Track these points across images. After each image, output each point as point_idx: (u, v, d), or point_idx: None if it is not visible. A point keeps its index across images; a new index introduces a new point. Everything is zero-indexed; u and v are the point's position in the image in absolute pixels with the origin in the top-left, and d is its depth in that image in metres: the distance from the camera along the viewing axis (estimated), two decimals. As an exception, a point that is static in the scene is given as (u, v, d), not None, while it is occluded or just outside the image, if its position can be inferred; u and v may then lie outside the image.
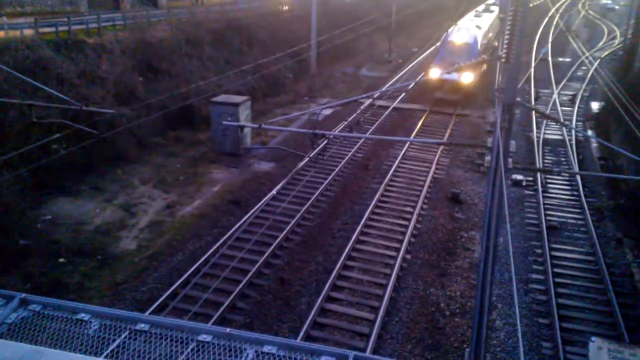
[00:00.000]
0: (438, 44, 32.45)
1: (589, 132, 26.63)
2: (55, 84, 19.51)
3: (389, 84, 34.20)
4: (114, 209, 17.74)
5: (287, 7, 43.92)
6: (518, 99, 7.82)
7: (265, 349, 3.70)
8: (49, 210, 17.15)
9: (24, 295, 4.14)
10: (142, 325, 3.94)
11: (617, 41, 50.22)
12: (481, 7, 42.54)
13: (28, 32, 24.02)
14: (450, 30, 30.95)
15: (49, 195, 17.86)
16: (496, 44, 38.71)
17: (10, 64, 18.21)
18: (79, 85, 21.06)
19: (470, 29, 30.91)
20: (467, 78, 28.74)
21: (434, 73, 27.96)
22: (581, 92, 34.18)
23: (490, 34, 37.07)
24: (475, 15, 37.52)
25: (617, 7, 76.60)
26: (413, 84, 27.79)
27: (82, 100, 16.59)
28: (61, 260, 14.67)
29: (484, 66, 34.01)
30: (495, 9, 41.98)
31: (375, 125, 26.68)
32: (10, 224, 14.87)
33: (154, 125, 22.55)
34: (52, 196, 17.88)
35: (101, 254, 15.17)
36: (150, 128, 22.46)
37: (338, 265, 14.52)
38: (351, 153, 22.67)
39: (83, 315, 4.02)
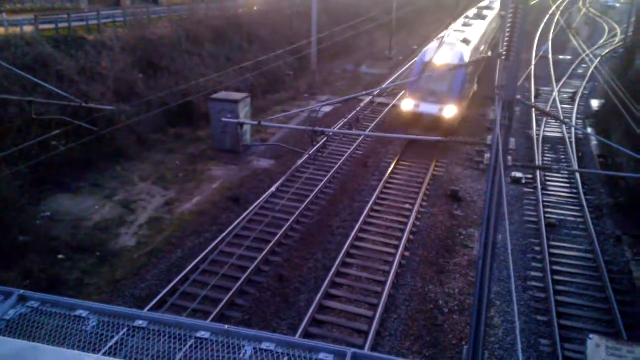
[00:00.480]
0: (416, 59, 25.49)
1: (589, 130, 26.62)
2: (55, 80, 19.49)
3: (389, 81, 34.17)
4: (113, 205, 17.74)
5: (256, 8, 40.50)
6: (518, 96, 7.82)
7: (264, 345, 3.71)
8: (48, 206, 17.16)
9: (22, 291, 4.14)
10: (141, 322, 3.94)
11: (617, 39, 50.18)
12: (472, 12, 36.11)
13: (28, 28, 24.00)
14: (428, 46, 24.74)
15: (48, 191, 17.87)
16: (490, 54, 34.37)
17: (10, 60, 18.20)
18: (79, 82, 21.06)
19: (456, 46, 23.67)
20: (449, 112, 22.07)
21: (407, 105, 22.66)
22: (581, 90, 34.16)
23: (483, 47, 30.47)
24: (464, 24, 30.03)
25: (617, 4, 76.52)
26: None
27: (81, 97, 16.61)
28: (60, 256, 14.68)
29: (475, 87, 28.28)
30: (489, 13, 36.07)
31: (374, 123, 26.67)
32: (10, 221, 14.86)
33: (153, 122, 22.54)
34: (51, 193, 17.88)
35: (100, 250, 15.18)
36: (149, 125, 22.45)
37: (337, 263, 14.54)
38: (351, 150, 22.66)
39: (81, 311, 4.02)
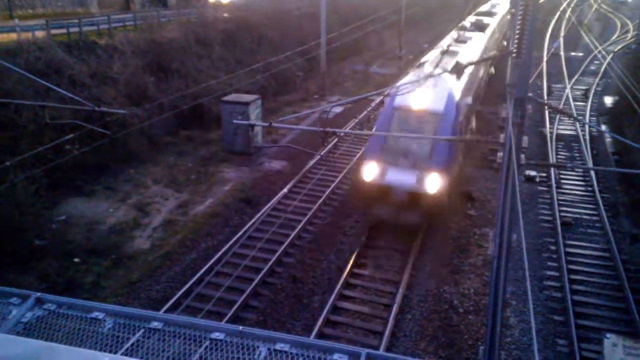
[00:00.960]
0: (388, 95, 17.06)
1: (603, 127, 26.36)
2: (67, 85, 19.67)
3: (400, 81, 34.04)
4: (127, 208, 17.86)
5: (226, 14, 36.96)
6: (530, 94, 7.75)
7: (278, 346, 3.70)
8: (63, 210, 17.31)
9: (39, 294, 4.17)
10: (156, 323, 3.95)
11: (630, 35, 49.64)
12: (471, 19, 28.25)
13: (40, 33, 24.27)
14: (401, 81, 17.40)
15: (62, 195, 18.01)
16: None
17: (22, 65, 18.40)
18: (91, 86, 21.23)
19: (441, 82, 15.90)
20: (433, 183, 14.54)
21: (369, 172, 15.11)
22: (594, 86, 33.83)
23: (482, 71, 23.78)
24: (458, 40, 22.24)
25: (629, 0, 75.71)
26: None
27: (94, 101, 16.73)
28: (76, 260, 14.80)
29: (473, 123, 21.46)
30: (491, 21, 29.43)
31: (386, 123, 26.54)
32: (26, 225, 15.03)
33: (165, 125, 22.67)
34: (66, 196, 18.03)
35: (115, 253, 15.29)
36: (161, 128, 22.59)
37: (350, 263, 14.50)
38: (362, 150, 22.61)
39: (97, 314, 4.04)
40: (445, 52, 18.99)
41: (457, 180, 16.95)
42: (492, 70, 28.81)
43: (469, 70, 18.61)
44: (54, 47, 21.72)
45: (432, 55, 19.54)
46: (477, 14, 31.19)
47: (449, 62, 17.61)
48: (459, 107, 15.90)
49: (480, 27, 26.83)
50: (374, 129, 16.58)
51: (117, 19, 30.26)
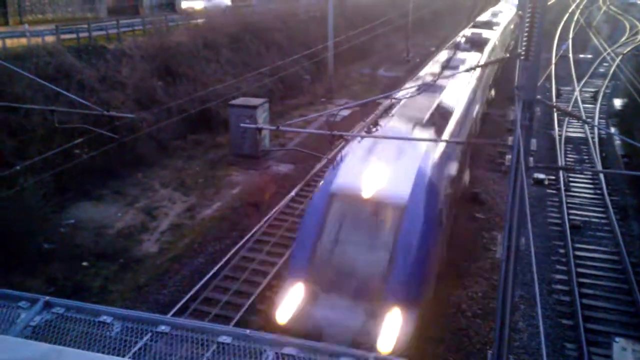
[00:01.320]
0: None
1: (612, 129, 26.18)
2: (76, 89, 19.82)
3: (407, 83, 33.97)
4: (135, 212, 17.92)
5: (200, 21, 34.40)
6: (538, 96, 7.72)
7: (285, 350, 3.70)
8: (72, 214, 17.39)
9: (47, 298, 4.20)
10: (164, 327, 3.97)
11: (639, 36, 49.34)
12: (466, 33, 23.54)
13: (49, 38, 24.48)
14: (346, 152, 11.02)
15: (71, 199, 18.11)
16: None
17: (32, 70, 18.56)
18: (100, 90, 21.37)
19: (409, 148, 10.65)
20: (390, 331, 8.28)
21: (288, 307, 8.95)
22: (603, 89, 33.63)
23: (478, 108, 18.04)
24: (446, 64, 17.95)
25: (639, 1, 75.29)
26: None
27: (102, 105, 16.83)
28: (84, 263, 14.87)
29: (466, 176, 16.24)
30: (491, 34, 24.86)
31: (393, 126, 26.44)
32: (34, 228, 15.12)
33: (173, 129, 22.76)
34: (74, 200, 18.12)
35: (123, 257, 15.33)
36: (169, 132, 22.68)
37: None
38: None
39: (105, 317, 4.06)
40: (425, 89, 12.07)
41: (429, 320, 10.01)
42: (492, 93, 25.20)
43: (456, 114, 13.54)
44: (64, 52, 21.89)
45: (405, 93, 13.02)
46: (474, 26, 26.68)
47: (428, 107, 12.03)
48: (434, 190, 10.14)
49: (477, 44, 21.79)
50: (299, 230, 10.37)
51: (126, 24, 30.45)
